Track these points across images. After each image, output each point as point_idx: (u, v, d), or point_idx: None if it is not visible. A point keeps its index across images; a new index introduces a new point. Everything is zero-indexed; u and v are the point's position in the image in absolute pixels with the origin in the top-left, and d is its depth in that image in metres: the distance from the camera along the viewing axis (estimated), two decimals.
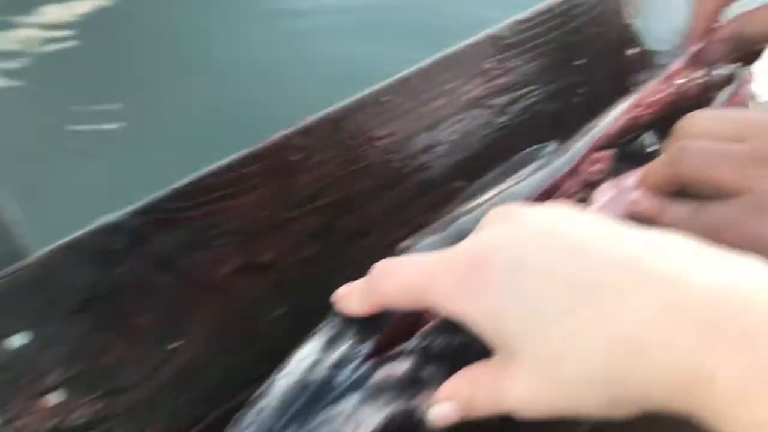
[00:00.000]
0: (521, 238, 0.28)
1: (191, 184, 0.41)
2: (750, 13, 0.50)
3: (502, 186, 0.42)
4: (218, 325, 0.42)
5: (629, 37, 0.60)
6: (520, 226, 0.29)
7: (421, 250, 0.39)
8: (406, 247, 0.40)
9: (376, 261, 0.47)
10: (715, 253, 0.26)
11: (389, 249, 0.48)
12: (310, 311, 0.45)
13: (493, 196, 0.41)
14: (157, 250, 0.40)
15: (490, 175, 0.45)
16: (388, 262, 0.33)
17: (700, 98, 0.52)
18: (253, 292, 0.43)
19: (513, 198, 0.41)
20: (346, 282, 0.46)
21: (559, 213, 0.29)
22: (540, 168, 0.43)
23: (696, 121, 0.39)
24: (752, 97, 0.48)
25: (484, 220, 0.32)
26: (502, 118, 0.53)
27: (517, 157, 0.45)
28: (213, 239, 0.42)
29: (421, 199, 0.49)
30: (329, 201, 0.46)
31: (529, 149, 0.46)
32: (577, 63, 0.57)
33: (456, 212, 0.41)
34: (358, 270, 0.47)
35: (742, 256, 0.25)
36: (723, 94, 0.50)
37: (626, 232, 0.27)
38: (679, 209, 0.38)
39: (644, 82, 0.53)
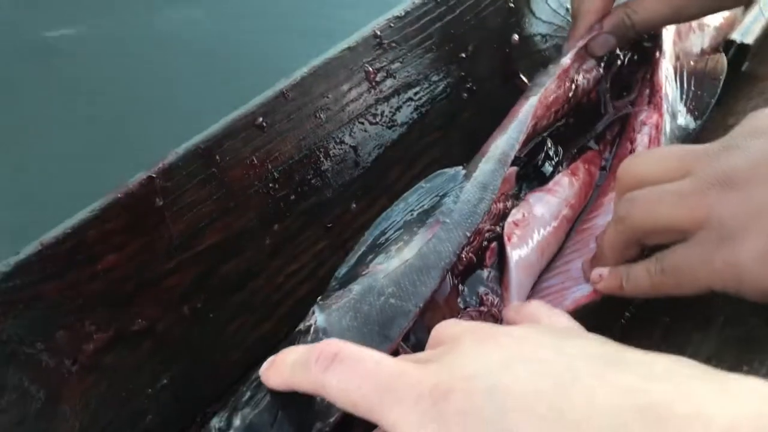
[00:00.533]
0: (499, 365, 0.24)
1: (34, 255, 0.34)
2: (635, 1, 0.48)
3: (418, 238, 0.38)
4: (92, 411, 0.36)
5: (512, 22, 0.57)
6: (498, 350, 0.25)
7: (334, 319, 0.35)
8: (314, 323, 0.35)
9: (269, 304, 0.43)
10: (718, 377, 0.23)
11: (281, 288, 0.43)
12: (200, 373, 0.40)
13: (412, 258, 0.37)
14: (4, 340, 0.33)
15: (395, 211, 0.40)
16: (343, 347, 0.27)
17: (592, 90, 0.50)
18: (130, 366, 0.37)
19: (437, 257, 0.37)
20: (237, 334, 0.41)
21: (543, 335, 0.26)
22: (454, 206, 0.39)
23: (634, 168, 0.37)
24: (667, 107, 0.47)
25: (449, 334, 0.28)
26: (392, 126, 0.49)
27: (426, 186, 0.41)
28: (73, 314, 0.35)
29: (313, 229, 0.44)
30: (207, 245, 0.40)
31: (433, 175, 0.41)
32: (461, 56, 0.53)
33: (370, 267, 0.37)
34: (251, 317, 0.42)
35: (745, 378, 0.22)
36: (640, 120, 0.48)
37: (621, 355, 0.24)
38: (638, 272, 0.35)
39: (529, 70, 0.51)
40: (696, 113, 0.49)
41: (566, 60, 0.48)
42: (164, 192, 0.39)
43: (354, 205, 0.46)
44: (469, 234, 0.39)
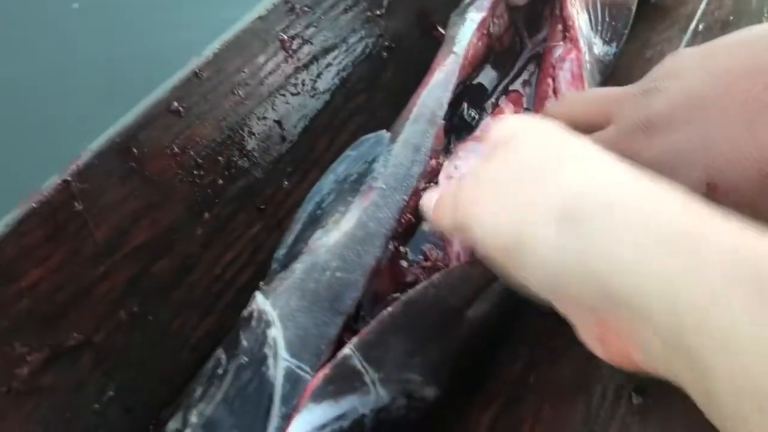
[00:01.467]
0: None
1: None
2: None
3: (354, 207, 0.38)
4: None
5: None
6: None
7: (281, 302, 0.35)
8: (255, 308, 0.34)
9: (209, 297, 0.41)
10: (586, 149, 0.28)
11: (220, 279, 0.42)
12: (147, 379, 0.38)
13: (352, 228, 0.37)
14: None
15: (325, 183, 0.39)
16: None
17: (505, 35, 0.49)
18: (70, 384, 0.35)
19: (377, 224, 0.38)
20: (181, 333, 0.40)
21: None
22: (385, 170, 0.39)
23: (557, 115, 0.37)
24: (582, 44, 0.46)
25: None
26: (315, 94, 0.47)
27: (353, 153, 0.40)
28: (1, 338, 0.33)
29: (245, 213, 0.42)
30: (136, 245, 0.38)
31: (358, 142, 0.40)
32: (377, 13, 0.51)
33: (309, 244, 0.36)
34: (192, 313, 0.40)
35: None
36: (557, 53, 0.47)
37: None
38: None
39: (445, 21, 0.50)
40: (611, 44, 0.49)
41: (482, 14, 0.47)
42: (82, 195, 0.36)
43: (286, 183, 0.44)
44: (406, 197, 0.39)
